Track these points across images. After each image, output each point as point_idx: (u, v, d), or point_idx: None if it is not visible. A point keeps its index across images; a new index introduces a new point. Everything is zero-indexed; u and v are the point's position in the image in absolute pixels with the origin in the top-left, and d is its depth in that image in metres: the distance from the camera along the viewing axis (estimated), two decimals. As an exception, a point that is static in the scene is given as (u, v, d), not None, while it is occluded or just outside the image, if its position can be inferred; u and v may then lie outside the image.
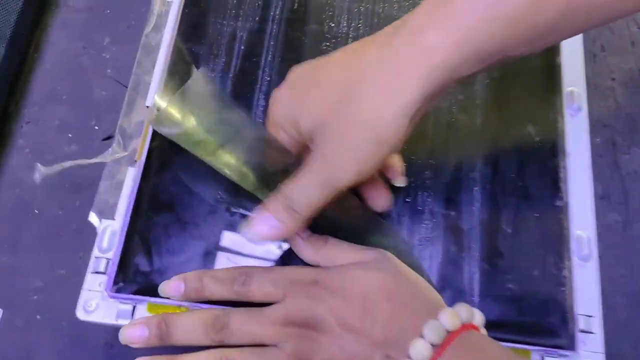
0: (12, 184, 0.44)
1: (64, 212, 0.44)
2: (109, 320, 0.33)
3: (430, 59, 0.26)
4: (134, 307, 0.33)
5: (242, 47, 0.40)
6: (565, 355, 0.32)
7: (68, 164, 0.38)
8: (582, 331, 0.32)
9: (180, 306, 0.33)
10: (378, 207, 0.33)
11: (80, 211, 0.44)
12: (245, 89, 0.38)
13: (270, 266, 0.32)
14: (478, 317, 0.30)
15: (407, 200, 0.35)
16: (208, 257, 0.34)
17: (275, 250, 0.34)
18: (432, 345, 0.27)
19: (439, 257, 0.34)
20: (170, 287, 0.31)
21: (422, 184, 0.36)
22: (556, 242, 0.34)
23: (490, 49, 0.26)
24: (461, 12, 0.26)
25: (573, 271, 0.33)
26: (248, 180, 0.32)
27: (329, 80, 0.29)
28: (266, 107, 0.38)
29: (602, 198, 0.40)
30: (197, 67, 0.39)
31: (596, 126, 0.43)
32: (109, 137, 0.46)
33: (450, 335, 0.27)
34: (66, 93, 0.47)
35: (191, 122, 0.30)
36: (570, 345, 0.32)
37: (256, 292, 0.31)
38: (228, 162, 0.31)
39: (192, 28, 0.40)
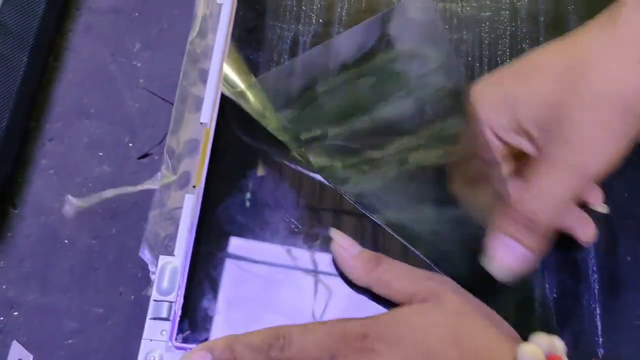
0: (37, 210, 0.39)
1: (98, 242, 0.38)
2: (176, 374, 0.29)
3: None
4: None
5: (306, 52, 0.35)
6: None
7: (109, 193, 0.33)
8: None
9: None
10: (585, 238, 0.29)
11: (116, 240, 0.39)
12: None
13: (309, 323, 0.27)
14: (559, 346, 0.26)
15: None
16: (285, 302, 0.30)
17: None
18: None
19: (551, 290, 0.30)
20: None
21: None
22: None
23: None
24: None
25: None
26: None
27: (549, 65, 0.25)
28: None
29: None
30: (256, 77, 0.34)
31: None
32: (145, 155, 0.41)
33: None
34: (94, 106, 0.42)
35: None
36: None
37: (298, 358, 0.26)
38: None
39: (247, 32, 0.35)
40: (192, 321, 0.29)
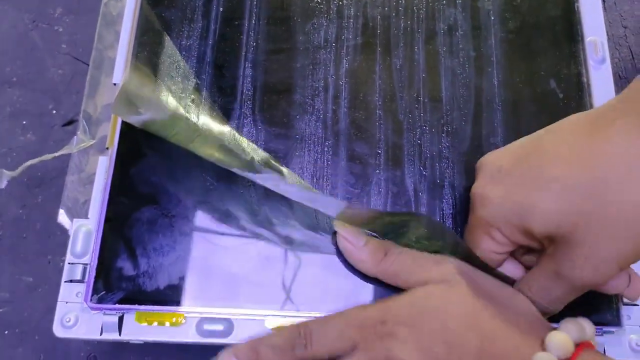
0: (-39, 183, 0.38)
1: (25, 211, 0.38)
2: (93, 335, 0.29)
3: None
4: (121, 318, 0.29)
5: (221, 9, 0.34)
6: (611, 332, 0.29)
7: (30, 162, 0.32)
8: (626, 304, 0.30)
9: (175, 312, 0.29)
10: (635, 297, 0.28)
11: (43, 208, 0.38)
12: (229, 58, 0.33)
13: (327, 315, 0.27)
14: (588, 330, 0.26)
15: (424, 174, 0.31)
16: (204, 254, 0.30)
17: (276, 250, 0.30)
18: None
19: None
20: None
21: (438, 154, 0.32)
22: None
23: None
24: None
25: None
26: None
27: (568, 175, 0.25)
28: (254, 77, 0.33)
29: None
30: (170, 34, 0.34)
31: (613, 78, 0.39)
32: (71, 122, 0.40)
33: None
34: (16, 75, 0.41)
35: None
36: (615, 321, 0.29)
37: (321, 351, 0.26)
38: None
39: (160, -10, 0.34)
40: (107, 282, 0.29)
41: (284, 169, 0.30)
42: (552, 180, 0.25)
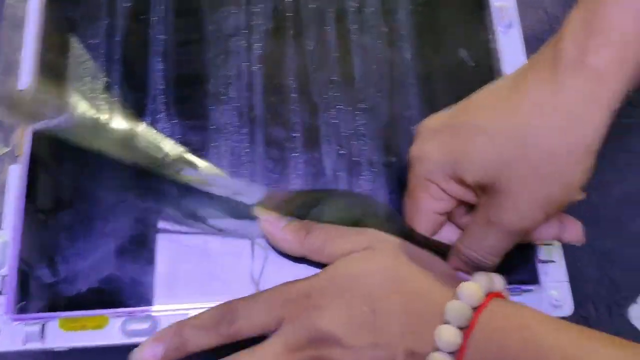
0: None
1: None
2: (16, 346, 0.28)
3: (605, 84, 0.24)
4: (43, 327, 0.28)
5: (127, 4, 0.34)
6: (529, 290, 0.30)
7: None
8: (543, 261, 0.30)
9: (100, 315, 0.29)
10: (574, 239, 0.28)
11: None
12: (137, 53, 0.33)
13: (255, 293, 0.27)
14: (498, 282, 0.27)
15: (340, 152, 0.31)
16: (124, 254, 0.29)
17: (213, 243, 0.30)
18: (459, 328, 0.24)
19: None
20: (145, 354, 0.26)
21: (355, 132, 0.32)
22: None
23: None
24: (617, 22, 0.24)
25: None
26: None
27: (492, 126, 0.26)
28: (165, 70, 0.32)
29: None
30: (76, 35, 0.33)
31: (529, 40, 0.40)
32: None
33: (475, 312, 0.24)
34: None
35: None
36: (533, 279, 0.30)
37: (247, 328, 0.26)
38: None
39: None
40: (27, 291, 0.28)
41: (201, 163, 0.29)
42: (479, 129, 0.26)
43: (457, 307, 0.24)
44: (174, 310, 0.28)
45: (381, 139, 0.32)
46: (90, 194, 0.30)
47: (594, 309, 0.35)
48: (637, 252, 0.37)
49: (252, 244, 0.30)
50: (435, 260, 0.28)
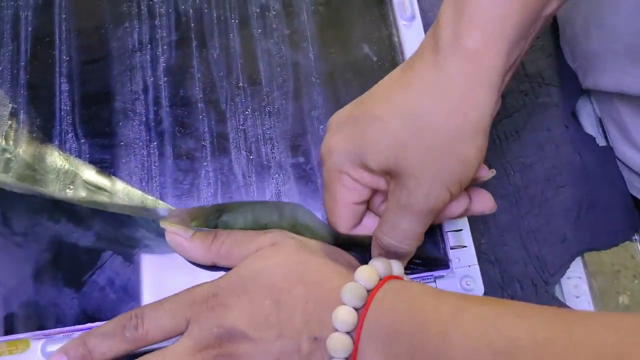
0: None
1: None
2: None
3: (481, 63, 0.25)
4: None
5: (30, 28, 0.34)
6: (442, 276, 0.30)
7: None
8: (454, 247, 0.31)
9: (20, 339, 0.29)
10: (485, 210, 0.29)
11: None
12: (44, 76, 0.33)
13: (163, 298, 0.27)
14: (397, 268, 0.27)
15: (250, 157, 0.32)
16: (40, 276, 0.29)
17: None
18: (356, 309, 0.25)
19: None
20: None
21: (263, 136, 0.32)
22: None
23: (527, 21, 0.26)
24: (483, 6, 0.25)
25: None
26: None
27: (387, 113, 0.27)
28: (70, 91, 0.33)
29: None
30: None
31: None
32: None
33: (371, 293, 0.25)
34: None
35: None
36: (445, 265, 0.30)
37: (154, 332, 0.26)
38: None
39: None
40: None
41: (110, 183, 0.30)
42: (375, 117, 0.27)
43: (352, 288, 0.25)
44: (91, 329, 0.29)
45: (289, 140, 0.32)
46: (3, 221, 0.30)
47: (520, 287, 0.36)
48: (561, 228, 0.38)
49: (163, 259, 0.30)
50: (340, 252, 0.29)
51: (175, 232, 0.30)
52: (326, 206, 0.30)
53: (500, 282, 0.36)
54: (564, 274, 0.37)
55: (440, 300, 0.24)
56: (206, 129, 0.32)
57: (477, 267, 0.31)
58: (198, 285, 0.28)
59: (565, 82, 0.41)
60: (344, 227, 0.29)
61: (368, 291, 0.25)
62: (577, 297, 0.37)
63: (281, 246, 0.28)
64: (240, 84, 0.33)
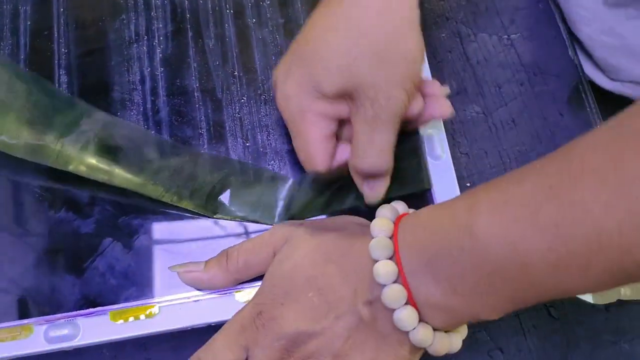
0: None
1: None
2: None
3: None
4: (-31, 342, 0.29)
5: (29, 23, 0.34)
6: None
7: None
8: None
9: (23, 325, 0.29)
10: (442, 114, 0.31)
11: None
12: (43, 68, 0.33)
13: (210, 339, 0.28)
14: (401, 208, 0.28)
15: (247, 145, 0.32)
16: (42, 263, 0.30)
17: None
18: (388, 258, 0.25)
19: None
20: None
21: (258, 123, 0.33)
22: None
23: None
24: None
25: (430, 170, 0.32)
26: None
27: (328, 38, 0.28)
28: (69, 82, 0.33)
29: (459, 93, 0.39)
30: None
31: (439, 21, 0.41)
32: None
33: (394, 238, 0.26)
34: None
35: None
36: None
37: None
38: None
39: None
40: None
41: (115, 169, 0.30)
42: (320, 47, 0.28)
43: (376, 242, 0.26)
44: (92, 313, 0.29)
45: (284, 127, 0.32)
46: (5, 210, 0.31)
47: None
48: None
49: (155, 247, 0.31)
50: (341, 218, 0.30)
51: (188, 271, 0.30)
52: (298, 150, 0.30)
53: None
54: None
55: (451, 207, 0.25)
56: (203, 118, 0.33)
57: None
58: (239, 312, 0.28)
59: (562, 71, 0.41)
60: (321, 163, 0.29)
61: (390, 238, 0.26)
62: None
63: (295, 239, 0.28)
64: (236, 73, 0.34)
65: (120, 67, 0.34)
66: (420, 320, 0.25)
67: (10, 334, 0.30)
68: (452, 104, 0.32)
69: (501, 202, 0.22)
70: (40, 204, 0.31)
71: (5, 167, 0.31)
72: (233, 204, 0.31)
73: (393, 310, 0.25)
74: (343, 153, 0.30)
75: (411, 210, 0.28)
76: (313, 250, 0.27)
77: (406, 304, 0.25)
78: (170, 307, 0.29)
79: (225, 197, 0.31)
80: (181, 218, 0.31)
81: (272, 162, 0.32)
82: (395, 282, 0.25)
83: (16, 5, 0.35)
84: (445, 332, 0.26)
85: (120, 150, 0.30)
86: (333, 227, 0.29)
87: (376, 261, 0.25)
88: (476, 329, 0.33)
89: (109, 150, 0.30)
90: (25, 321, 0.29)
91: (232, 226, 0.31)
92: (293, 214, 0.31)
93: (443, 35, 0.40)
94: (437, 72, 0.39)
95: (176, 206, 0.31)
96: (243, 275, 0.29)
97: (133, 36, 0.34)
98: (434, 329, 0.25)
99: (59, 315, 0.29)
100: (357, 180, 0.29)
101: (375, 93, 0.27)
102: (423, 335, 0.25)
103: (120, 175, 0.30)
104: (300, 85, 0.29)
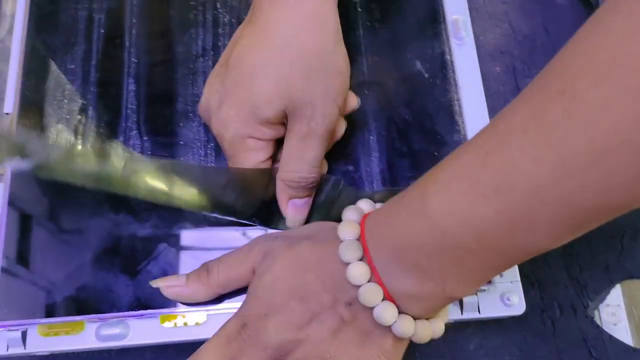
0: None
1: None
2: (1, 352, 0.30)
3: None
4: (24, 333, 0.30)
5: (102, 30, 0.36)
6: (483, 290, 0.31)
7: None
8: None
9: (76, 321, 0.31)
10: (351, 106, 0.32)
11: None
12: (112, 75, 0.35)
13: (195, 352, 0.28)
14: (365, 206, 0.29)
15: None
16: (98, 263, 0.31)
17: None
18: (359, 259, 0.26)
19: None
20: None
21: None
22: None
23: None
24: None
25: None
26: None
27: (262, 59, 0.29)
28: (137, 91, 0.35)
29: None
30: (54, 60, 0.35)
31: (494, 55, 0.41)
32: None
33: (362, 240, 0.27)
34: None
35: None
36: (489, 281, 0.31)
37: None
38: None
39: (43, 19, 0.36)
40: (8, 300, 0.30)
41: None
42: (254, 68, 0.29)
43: (345, 246, 0.26)
44: (144, 315, 0.30)
45: (338, 147, 0.33)
46: (66, 209, 0.32)
47: (559, 310, 0.36)
48: (602, 253, 0.37)
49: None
50: (316, 225, 0.31)
51: (169, 285, 0.30)
52: None
53: (540, 304, 0.36)
54: (604, 300, 0.37)
55: (406, 197, 0.25)
56: (261, 134, 0.34)
57: (520, 283, 0.31)
58: (223, 325, 0.28)
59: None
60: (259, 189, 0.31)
61: (357, 240, 0.27)
62: (615, 324, 0.37)
63: (273, 253, 0.29)
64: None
65: (186, 79, 0.35)
66: (400, 312, 0.26)
67: (63, 329, 0.31)
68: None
69: (446, 179, 0.23)
70: (100, 206, 0.32)
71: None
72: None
73: (372, 308, 0.26)
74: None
75: (378, 205, 0.29)
76: (291, 262, 0.28)
77: (383, 300, 0.26)
78: (218, 315, 0.30)
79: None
80: (236, 228, 0.32)
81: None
82: (369, 281, 0.26)
83: (91, 12, 0.36)
84: (427, 319, 0.27)
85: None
86: (308, 235, 0.29)
87: (348, 264, 0.26)
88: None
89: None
90: (78, 317, 0.30)
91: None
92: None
93: (498, 68, 0.41)
94: (488, 105, 0.39)
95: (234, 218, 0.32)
96: (223, 289, 0.30)
97: (200, 50, 0.36)
98: (415, 318, 0.26)
99: (111, 315, 0.30)
100: (283, 194, 0.31)
101: (312, 111, 0.28)
102: (405, 327, 0.26)
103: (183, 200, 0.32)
104: (238, 111, 0.29)
